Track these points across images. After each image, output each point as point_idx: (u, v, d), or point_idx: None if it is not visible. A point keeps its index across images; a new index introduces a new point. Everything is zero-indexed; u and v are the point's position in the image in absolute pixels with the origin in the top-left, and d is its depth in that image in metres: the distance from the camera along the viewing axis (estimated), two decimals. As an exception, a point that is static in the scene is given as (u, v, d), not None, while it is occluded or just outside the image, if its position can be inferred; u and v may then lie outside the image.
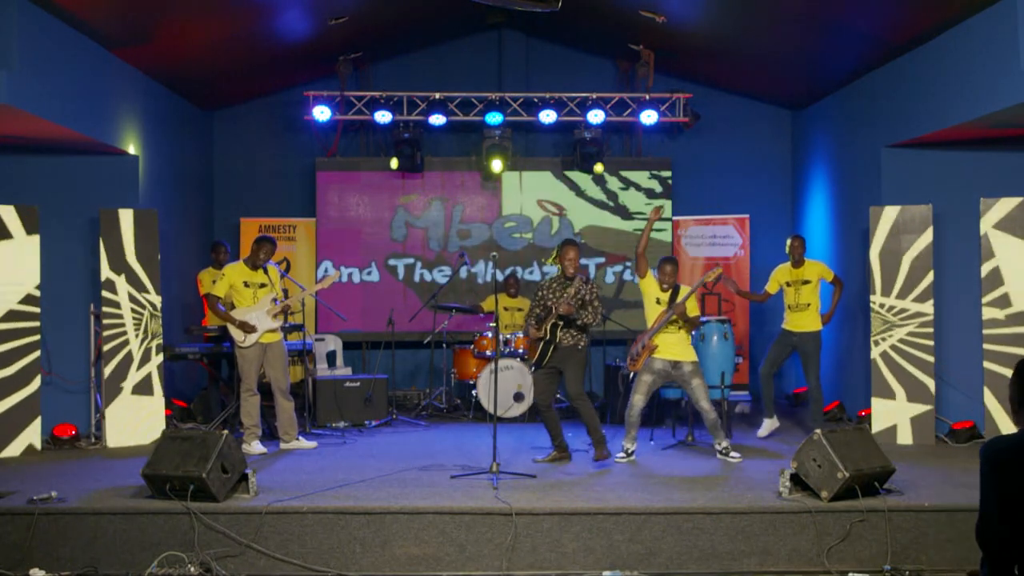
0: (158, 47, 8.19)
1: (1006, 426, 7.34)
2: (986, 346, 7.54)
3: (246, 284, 7.46)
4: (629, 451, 7.09)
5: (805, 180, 10.68)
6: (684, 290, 6.99)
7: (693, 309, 7.02)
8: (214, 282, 7.72)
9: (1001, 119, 6.96)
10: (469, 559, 5.38)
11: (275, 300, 7.52)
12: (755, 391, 10.43)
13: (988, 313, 7.55)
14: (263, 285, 7.50)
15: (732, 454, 6.94)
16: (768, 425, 8.09)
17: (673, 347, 6.96)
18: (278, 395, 7.50)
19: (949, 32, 7.29)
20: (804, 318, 7.94)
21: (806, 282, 7.95)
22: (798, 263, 7.99)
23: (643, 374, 7.04)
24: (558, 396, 9.67)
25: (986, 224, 7.57)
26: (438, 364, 10.36)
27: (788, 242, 8.05)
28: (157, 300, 7.96)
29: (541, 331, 6.99)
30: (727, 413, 7.97)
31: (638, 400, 6.99)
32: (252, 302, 7.45)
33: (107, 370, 7.76)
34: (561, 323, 6.96)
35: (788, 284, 8.03)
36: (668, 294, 7.03)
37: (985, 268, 7.56)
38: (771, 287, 8.18)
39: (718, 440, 7.00)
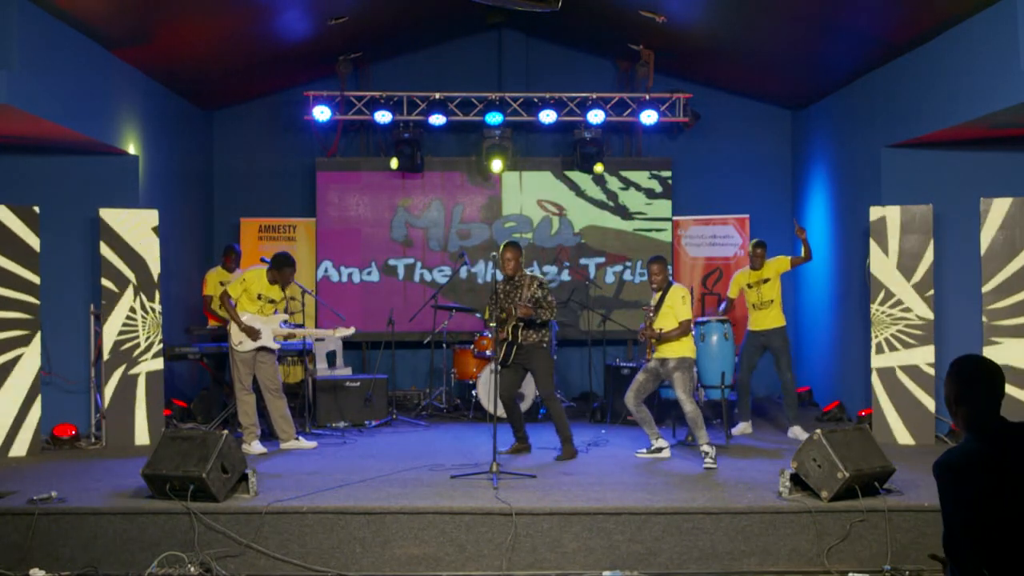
0: (158, 47, 8.19)
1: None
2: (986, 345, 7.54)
3: (259, 296, 7.46)
4: (652, 447, 7.19)
5: (805, 180, 10.67)
6: (675, 291, 7.05)
7: (680, 314, 6.96)
8: (221, 283, 7.69)
9: (1001, 119, 6.96)
10: (469, 559, 5.38)
11: (284, 322, 7.56)
12: (754, 392, 10.44)
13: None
14: (272, 301, 7.52)
15: (707, 460, 6.71)
16: (743, 428, 8.29)
17: (662, 346, 7.06)
18: (267, 394, 7.49)
19: (949, 32, 7.29)
20: (767, 316, 8.15)
21: (766, 280, 8.15)
22: (759, 262, 8.19)
23: (639, 373, 7.19)
24: (558, 396, 9.77)
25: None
26: (438, 364, 10.36)
27: (751, 249, 8.26)
28: (157, 300, 7.96)
29: (504, 333, 7.12)
30: (727, 413, 7.98)
31: (628, 396, 7.11)
32: (259, 313, 7.46)
33: (107, 370, 7.76)
34: (522, 324, 7.08)
35: (749, 286, 8.24)
36: (657, 296, 7.14)
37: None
38: (732, 292, 8.43)
39: (698, 438, 6.87)
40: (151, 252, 7.95)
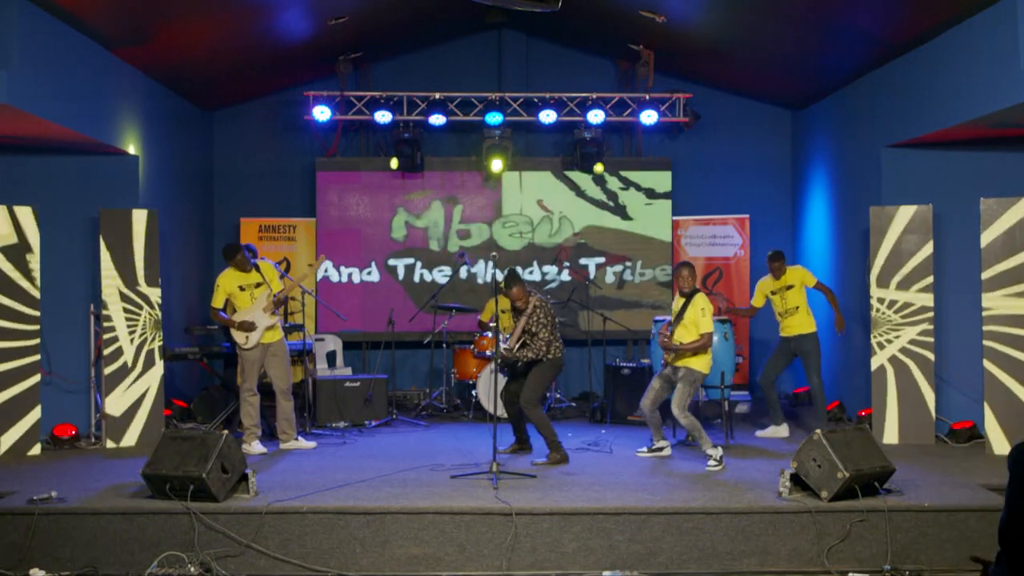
0: (158, 47, 8.19)
1: (1008, 427, 7.35)
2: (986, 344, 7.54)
3: (241, 288, 7.47)
4: (653, 446, 7.22)
5: (805, 180, 10.68)
6: (697, 301, 6.94)
7: (700, 327, 6.85)
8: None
9: (1001, 119, 6.96)
10: (469, 559, 5.38)
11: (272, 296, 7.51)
12: (757, 392, 10.45)
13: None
14: (259, 284, 7.50)
15: (710, 463, 6.71)
16: (773, 431, 8.15)
17: (679, 355, 7.00)
18: (279, 395, 7.50)
19: (949, 32, 7.29)
20: (796, 321, 8.04)
21: (789, 287, 8.07)
22: (779, 274, 8.12)
23: (654, 379, 7.16)
24: (559, 396, 9.78)
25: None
26: (438, 364, 10.36)
27: (768, 262, 8.15)
28: (157, 300, 7.96)
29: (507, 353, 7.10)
30: (727, 413, 7.98)
31: (644, 403, 7.10)
32: (250, 303, 7.47)
33: (107, 370, 7.76)
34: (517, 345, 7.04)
35: (773, 293, 8.16)
36: (681, 303, 7.07)
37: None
38: (757, 300, 8.33)
39: (701, 446, 6.84)
40: (151, 252, 7.95)
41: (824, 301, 8.30)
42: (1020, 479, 2.96)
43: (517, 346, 6.97)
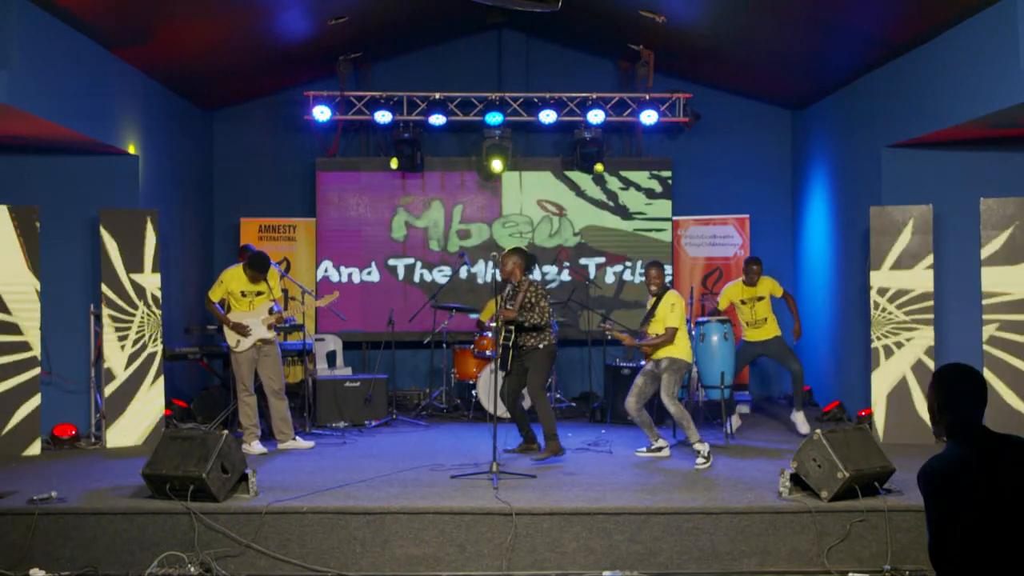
0: (158, 47, 8.19)
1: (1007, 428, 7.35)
2: (986, 347, 7.53)
3: (243, 294, 7.46)
4: (653, 446, 7.23)
5: (805, 180, 10.68)
6: (667, 298, 7.08)
7: (667, 321, 7.00)
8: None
9: (1001, 119, 6.96)
10: (469, 559, 5.38)
11: (273, 307, 7.50)
12: (753, 391, 10.45)
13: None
14: (260, 293, 7.49)
15: (699, 460, 6.74)
16: (734, 421, 8.39)
17: (656, 349, 7.12)
18: (269, 395, 7.49)
19: (949, 32, 7.29)
20: (763, 331, 8.24)
21: (760, 299, 8.24)
22: (755, 278, 8.24)
23: (637, 377, 7.20)
24: (559, 396, 9.78)
25: None
26: (438, 364, 10.36)
27: (746, 265, 8.32)
28: (157, 300, 7.96)
29: (501, 337, 7.10)
30: (727, 413, 7.98)
31: (629, 402, 7.11)
32: (249, 308, 7.45)
33: (107, 370, 7.76)
34: (514, 328, 7.04)
35: (743, 302, 8.29)
36: (652, 301, 7.19)
37: None
38: (723, 304, 8.45)
39: (688, 437, 6.92)
40: (151, 252, 7.95)
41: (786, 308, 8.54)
42: (938, 496, 2.95)
43: (514, 312, 6.95)
